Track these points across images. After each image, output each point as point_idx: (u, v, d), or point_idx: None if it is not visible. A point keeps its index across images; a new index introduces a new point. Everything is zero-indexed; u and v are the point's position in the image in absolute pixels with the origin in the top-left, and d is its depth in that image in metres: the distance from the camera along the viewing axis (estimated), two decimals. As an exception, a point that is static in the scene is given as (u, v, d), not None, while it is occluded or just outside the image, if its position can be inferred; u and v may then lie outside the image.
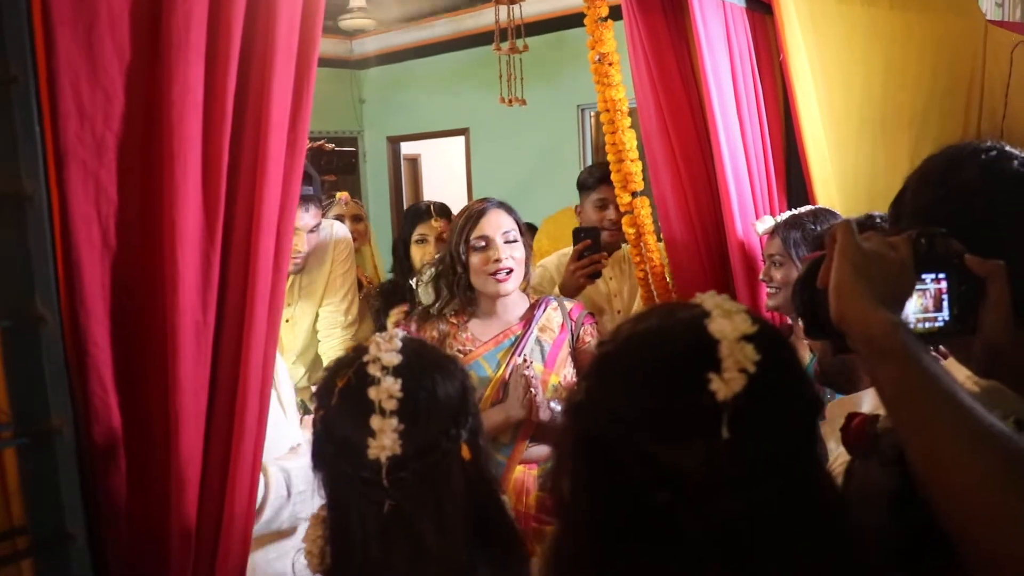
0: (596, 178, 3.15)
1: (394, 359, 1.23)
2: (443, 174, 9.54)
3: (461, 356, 2.34)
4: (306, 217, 2.57)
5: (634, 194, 2.91)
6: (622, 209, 2.95)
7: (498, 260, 2.32)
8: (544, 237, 4.40)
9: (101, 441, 1.23)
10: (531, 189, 6.32)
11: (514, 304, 2.44)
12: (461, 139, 8.15)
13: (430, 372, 1.27)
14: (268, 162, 1.35)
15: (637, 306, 3.17)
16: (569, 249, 3.26)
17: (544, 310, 2.46)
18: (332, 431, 1.26)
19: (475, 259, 2.34)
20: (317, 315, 2.82)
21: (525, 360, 2.33)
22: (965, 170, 1.10)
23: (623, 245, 3.22)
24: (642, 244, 2.94)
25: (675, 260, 2.95)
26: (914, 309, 1.04)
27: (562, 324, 2.45)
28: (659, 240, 3.01)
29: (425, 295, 2.50)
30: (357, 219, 3.53)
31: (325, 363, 2.76)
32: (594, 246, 2.92)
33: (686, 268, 2.94)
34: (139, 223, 1.26)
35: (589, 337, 2.46)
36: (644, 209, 2.92)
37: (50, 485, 1.19)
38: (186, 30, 1.25)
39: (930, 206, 1.10)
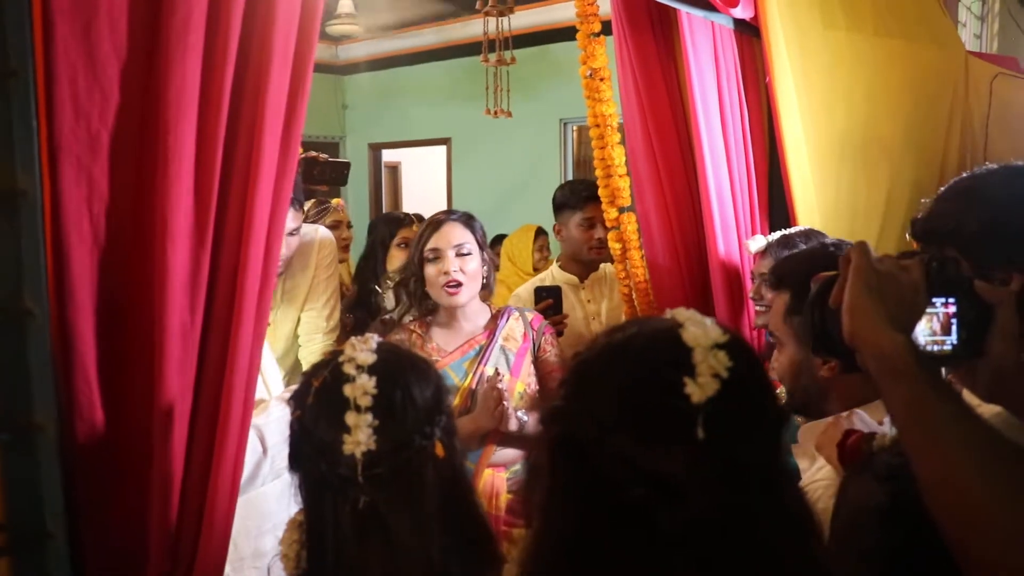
0: (582, 196, 3.16)
1: (369, 358, 1.27)
2: (423, 183, 9.56)
3: None
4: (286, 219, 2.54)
5: (621, 209, 2.94)
6: (609, 224, 2.97)
7: (446, 272, 2.40)
8: (504, 257, 4.38)
9: (84, 439, 1.22)
10: (511, 201, 6.35)
11: (476, 314, 2.52)
12: (443, 149, 8.17)
13: (404, 371, 1.30)
14: (261, 165, 1.36)
15: (620, 326, 3.19)
16: (544, 275, 3.29)
17: (507, 320, 2.54)
18: (308, 431, 1.28)
19: (428, 270, 2.44)
20: (299, 320, 2.81)
21: (497, 373, 2.38)
22: (989, 187, 1.10)
23: (601, 265, 3.25)
24: (627, 260, 2.96)
25: (657, 278, 2.99)
26: (923, 332, 1.06)
27: (524, 333, 2.54)
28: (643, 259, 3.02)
29: (389, 301, 2.56)
30: (349, 226, 3.55)
31: (304, 367, 2.77)
32: (556, 306, 2.93)
33: (667, 286, 2.97)
34: (130, 221, 1.26)
35: (549, 347, 2.55)
36: (631, 225, 2.95)
37: (31, 483, 1.18)
38: (185, 30, 1.25)
39: (954, 222, 1.10)
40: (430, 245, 2.42)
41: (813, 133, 3.06)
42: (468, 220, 2.49)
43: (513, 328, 2.52)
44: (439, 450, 1.29)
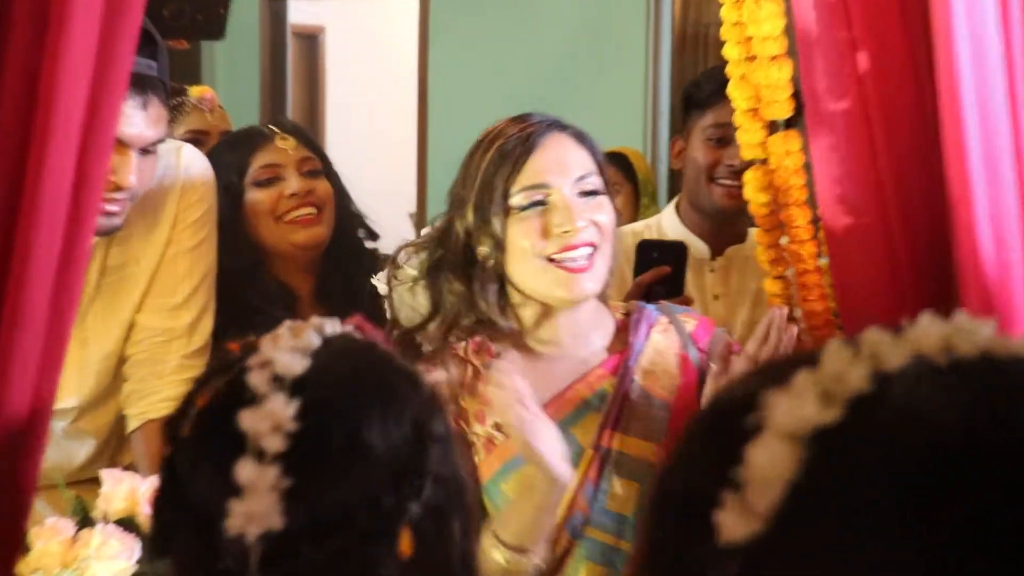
0: (716, 87, 3.11)
1: (296, 365, 1.30)
2: (367, 66, 9.77)
3: (495, 436, 2.33)
4: (137, 119, 2.45)
5: (771, 126, 2.78)
6: (748, 154, 2.86)
7: (568, 232, 2.23)
8: None
9: None
10: (547, 107, 6.22)
11: (590, 323, 2.43)
12: (408, 3, 8.11)
13: (357, 393, 1.36)
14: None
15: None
16: (647, 224, 3.43)
17: (646, 335, 2.41)
18: (181, 486, 1.34)
19: (519, 231, 2.26)
20: (131, 328, 2.71)
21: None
22: None
23: (749, 232, 3.27)
24: (786, 223, 2.85)
25: (843, 270, 2.85)
26: None
27: (681, 358, 2.41)
28: (816, 230, 2.88)
29: (406, 303, 2.45)
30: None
31: (133, 427, 2.68)
32: (674, 280, 2.88)
33: (861, 288, 2.83)
34: None
35: None
36: (790, 157, 2.80)
37: None
38: None
39: None
40: (527, 182, 2.25)
41: None
42: (572, 128, 2.39)
43: (660, 349, 2.41)
44: (404, 544, 1.30)
